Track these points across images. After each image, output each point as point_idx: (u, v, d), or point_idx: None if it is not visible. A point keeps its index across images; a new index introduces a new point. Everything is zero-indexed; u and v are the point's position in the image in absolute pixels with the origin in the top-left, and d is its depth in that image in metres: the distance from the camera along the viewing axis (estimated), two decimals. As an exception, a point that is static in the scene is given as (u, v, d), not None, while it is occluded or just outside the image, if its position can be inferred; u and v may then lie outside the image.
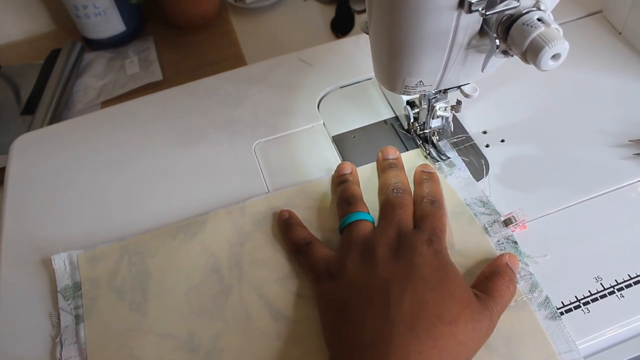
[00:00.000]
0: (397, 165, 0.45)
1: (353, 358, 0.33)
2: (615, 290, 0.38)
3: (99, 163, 0.51)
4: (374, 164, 0.47)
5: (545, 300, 0.38)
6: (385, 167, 0.45)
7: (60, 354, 0.39)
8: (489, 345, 0.36)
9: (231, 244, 0.43)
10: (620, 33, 0.56)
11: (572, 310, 0.38)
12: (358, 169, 0.47)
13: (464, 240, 0.41)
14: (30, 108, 0.76)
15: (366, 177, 0.46)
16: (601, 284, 0.38)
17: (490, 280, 0.37)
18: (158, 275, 0.42)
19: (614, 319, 0.37)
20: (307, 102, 0.54)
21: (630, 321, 0.37)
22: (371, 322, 0.34)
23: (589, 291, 0.38)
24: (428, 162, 0.47)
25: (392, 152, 0.46)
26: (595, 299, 0.38)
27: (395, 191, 0.42)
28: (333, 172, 0.47)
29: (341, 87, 0.56)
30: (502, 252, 0.40)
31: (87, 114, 0.58)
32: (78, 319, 0.41)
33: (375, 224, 0.42)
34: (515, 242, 0.41)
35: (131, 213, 0.47)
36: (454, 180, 0.45)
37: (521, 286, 0.38)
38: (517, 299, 0.38)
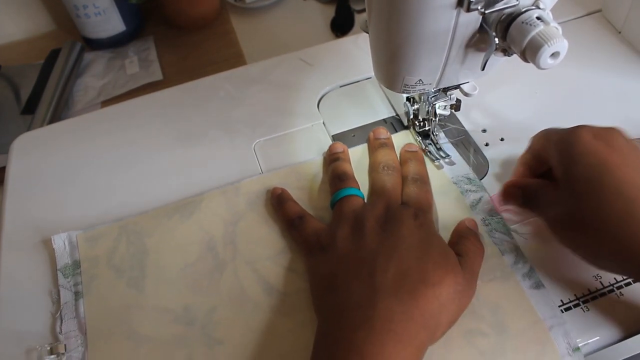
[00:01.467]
0: (387, 144, 0.47)
1: (340, 321, 0.34)
2: (615, 289, 0.38)
3: (98, 163, 0.51)
4: (365, 145, 0.49)
5: (529, 270, 0.39)
6: (377, 146, 0.47)
7: (61, 328, 0.40)
8: (475, 313, 0.37)
9: (226, 223, 0.44)
10: (620, 32, 0.56)
11: (571, 309, 0.38)
12: (350, 149, 0.48)
13: (451, 217, 0.43)
14: (30, 108, 0.76)
15: (357, 158, 0.48)
16: (600, 282, 0.39)
17: (460, 244, 0.39)
18: (155, 253, 0.43)
19: (613, 317, 0.37)
20: (306, 101, 0.54)
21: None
22: (357, 288, 0.35)
23: (589, 290, 0.38)
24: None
25: (383, 133, 0.48)
26: (595, 297, 0.38)
27: (385, 169, 0.44)
28: (325, 152, 0.48)
29: (341, 87, 0.56)
30: (488, 227, 0.42)
31: (87, 113, 0.58)
32: (77, 295, 0.42)
33: (366, 200, 0.43)
34: (501, 218, 0.42)
35: (130, 208, 0.47)
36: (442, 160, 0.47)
37: (507, 258, 0.40)
38: (503, 269, 0.39)
